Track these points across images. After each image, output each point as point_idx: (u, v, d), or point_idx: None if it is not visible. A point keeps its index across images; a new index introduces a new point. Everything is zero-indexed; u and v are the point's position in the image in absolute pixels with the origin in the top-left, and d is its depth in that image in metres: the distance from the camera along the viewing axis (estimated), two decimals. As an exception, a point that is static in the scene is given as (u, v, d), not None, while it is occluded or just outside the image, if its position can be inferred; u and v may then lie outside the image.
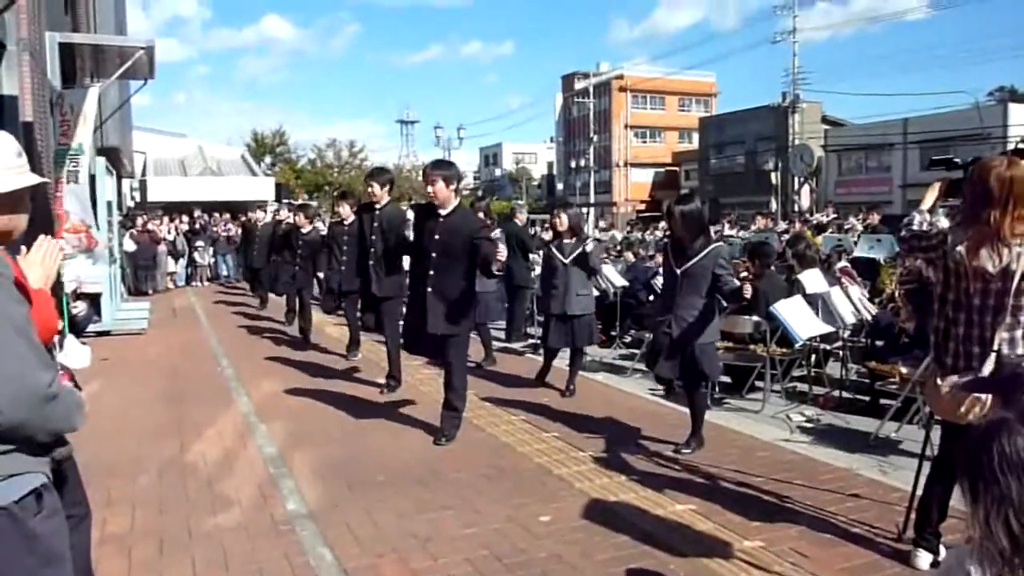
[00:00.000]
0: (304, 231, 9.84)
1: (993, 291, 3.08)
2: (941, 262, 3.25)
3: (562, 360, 7.21)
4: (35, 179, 2.06)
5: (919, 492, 3.51)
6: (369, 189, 6.97)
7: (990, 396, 3.02)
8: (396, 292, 6.98)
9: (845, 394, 6.61)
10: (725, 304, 5.21)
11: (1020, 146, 3.53)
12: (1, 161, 1.95)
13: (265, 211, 15.46)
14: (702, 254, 4.92)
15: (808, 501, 4.17)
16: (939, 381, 3.22)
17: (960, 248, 3.14)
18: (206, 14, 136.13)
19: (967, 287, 3.15)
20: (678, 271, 5.00)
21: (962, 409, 3.10)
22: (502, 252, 5.09)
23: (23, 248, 2.11)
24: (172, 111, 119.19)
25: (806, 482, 4.45)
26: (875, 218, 13.28)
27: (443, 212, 5.25)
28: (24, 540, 1.80)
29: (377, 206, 6.89)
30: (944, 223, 3.28)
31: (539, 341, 8.36)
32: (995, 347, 3.07)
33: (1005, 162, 3.09)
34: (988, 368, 3.06)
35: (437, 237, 5.20)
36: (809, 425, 5.92)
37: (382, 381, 7.15)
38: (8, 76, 8.06)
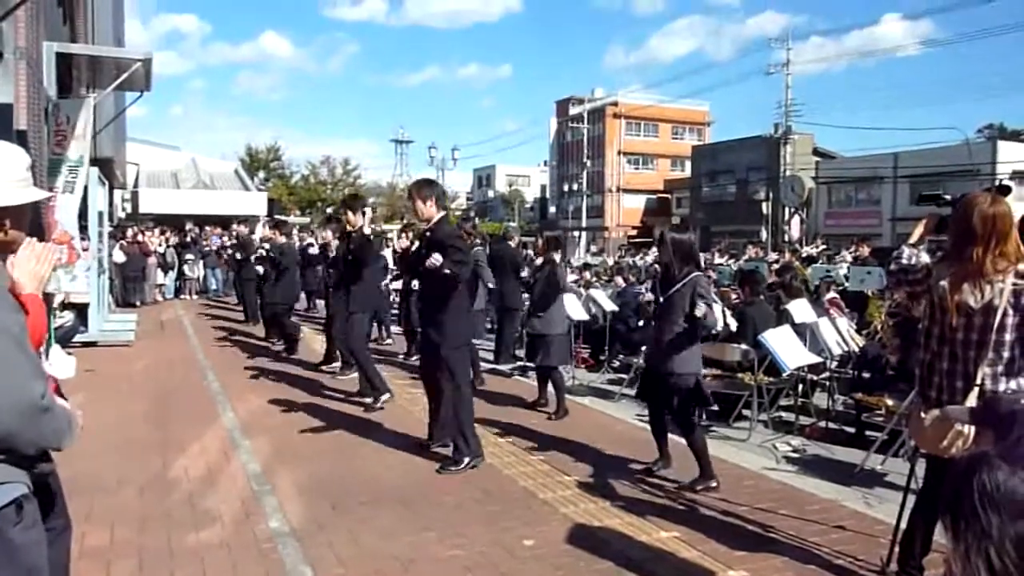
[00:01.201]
0: (279, 243, 10.16)
1: (976, 326, 3.11)
2: (926, 296, 3.29)
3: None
4: (40, 194, 2.08)
5: (903, 525, 3.51)
6: (344, 216, 7.43)
7: (974, 430, 3.05)
8: (365, 307, 7.39)
9: (831, 425, 6.62)
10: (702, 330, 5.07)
11: (1005, 183, 3.58)
12: (11, 173, 1.97)
13: (248, 226, 15.44)
14: (682, 283, 4.92)
15: (793, 532, 4.16)
16: (923, 414, 3.24)
17: (943, 283, 3.18)
18: (206, 29, 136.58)
19: (951, 322, 3.18)
20: (662, 299, 5.04)
21: (944, 442, 3.11)
22: (441, 265, 5.07)
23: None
24: (169, 123, 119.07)
25: (791, 512, 4.45)
26: (865, 250, 13.39)
27: (427, 228, 5.42)
28: (3, 550, 1.78)
29: (354, 231, 7.28)
30: (925, 258, 3.31)
31: (527, 363, 8.37)
32: (978, 381, 3.10)
33: (989, 199, 3.14)
34: (971, 402, 3.08)
35: (424, 253, 5.32)
36: (795, 455, 5.93)
37: (368, 400, 7.14)
38: (4, 84, 8.06)
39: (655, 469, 5.20)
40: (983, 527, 1.43)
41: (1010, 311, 3.05)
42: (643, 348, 8.20)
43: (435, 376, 5.42)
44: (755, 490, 4.88)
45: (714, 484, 4.84)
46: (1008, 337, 3.07)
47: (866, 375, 7.21)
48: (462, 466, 5.19)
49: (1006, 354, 3.08)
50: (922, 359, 3.34)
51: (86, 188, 10.59)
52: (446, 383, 5.32)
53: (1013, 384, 3.09)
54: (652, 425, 5.28)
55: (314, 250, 10.57)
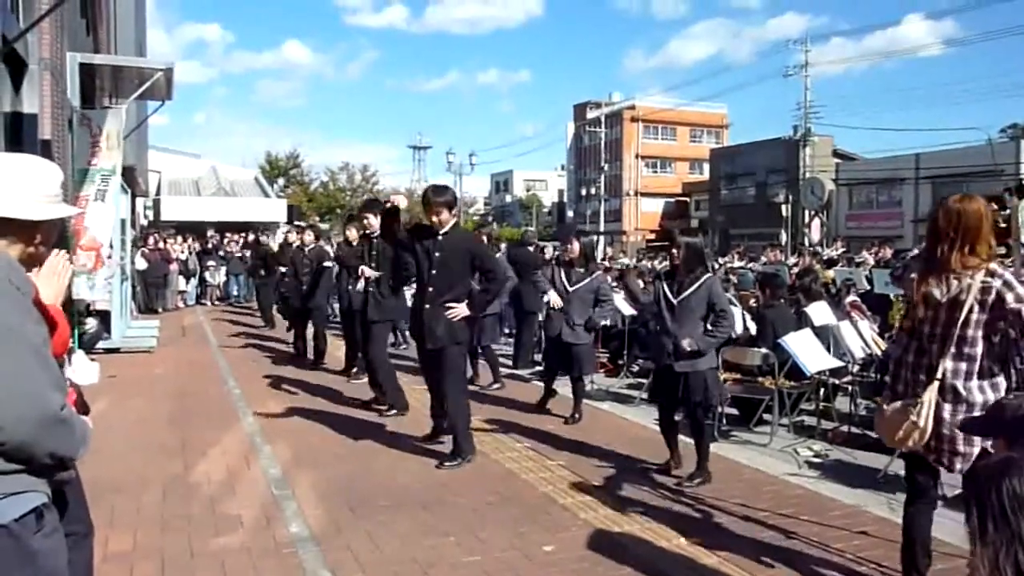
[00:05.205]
0: (307, 248, 10.14)
1: (941, 320, 3.10)
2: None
3: (566, 387, 7.19)
4: (70, 210, 2.11)
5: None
6: (365, 220, 7.29)
7: (929, 422, 3.06)
8: (389, 316, 7.30)
9: (854, 429, 6.55)
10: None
11: None
12: (44, 189, 2.00)
13: (271, 234, 15.55)
14: (696, 285, 5.02)
15: (815, 537, 4.12)
16: (885, 406, 3.25)
17: (912, 275, 3.19)
18: (229, 38, 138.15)
19: (918, 315, 3.19)
20: (675, 301, 5.06)
21: (900, 434, 3.11)
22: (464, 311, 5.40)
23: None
24: (190, 131, 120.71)
25: (813, 518, 4.41)
26: (887, 252, 13.24)
27: (442, 231, 5.45)
28: (23, 558, 1.80)
29: (374, 235, 7.14)
30: None
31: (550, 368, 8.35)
32: (938, 375, 3.08)
33: (960, 197, 3.15)
34: (931, 395, 3.07)
35: (437, 255, 5.38)
36: (817, 460, 5.87)
37: (384, 407, 7.15)
38: (29, 95, 8.16)
39: (671, 468, 5.27)
40: (1012, 531, 1.42)
41: (976, 307, 3.03)
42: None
43: (435, 374, 5.57)
44: (776, 495, 4.84)
45: (709, 479, 5.04)
46: (971, 333, 3.05)
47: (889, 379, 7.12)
48: (457, 462, 5.37)
49: (967, 350, 3.06)
50: (894, 354, 3.38)
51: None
52: (444, 381, 5.48)
53: (975, 383, 3.07)
54: (663, 425, 5.34)
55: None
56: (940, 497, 3.33)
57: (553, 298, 6.90)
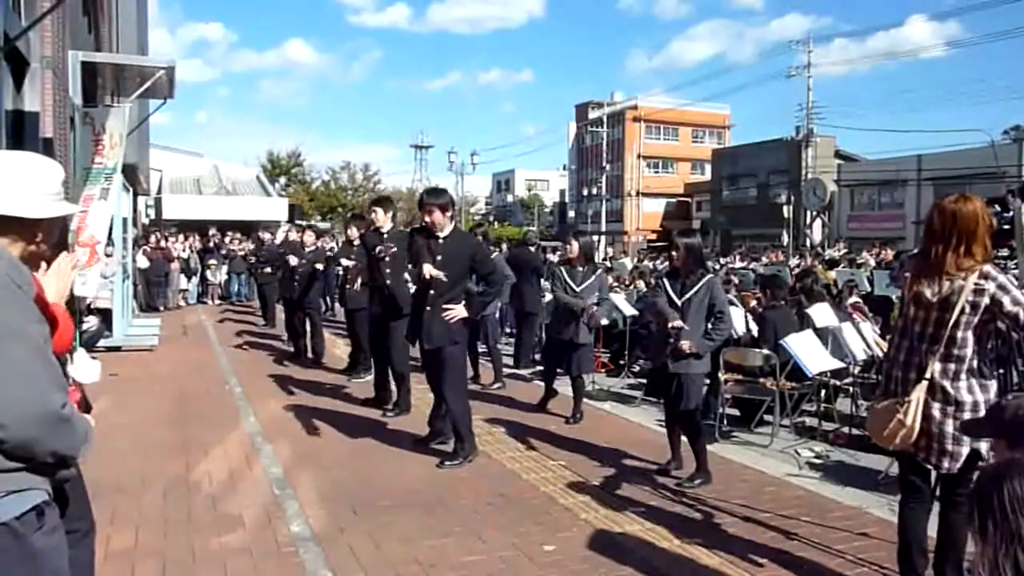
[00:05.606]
0: (307, 249, 10.10)
1: (932, 319, 3.11)
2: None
3: (567, 387, 7.20)
4: (71, 208, 2.11)
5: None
6: (373, 214, 7.24)
7: (918, 419, 3.07)
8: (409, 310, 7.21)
9: (855, 431, 6.55)
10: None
11: None
12: (45, 187, 2.00)
13: (273, 234, 15.52)
14: (698, 285, 5.09)
15: (815, 539, 4.12)
16: (876, 405, 3.27)
17: (906, 273, 3.21)
18: (232, 37, 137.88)
19: (910, 314, 3.20)
20: (679, 302, 5.09)
21: (886, 432, 3.12)
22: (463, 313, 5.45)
23: (43, 264, 2.13)
24: (192, 130, 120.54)
25: (814, 519, 4.41)
26: (888, 254, 13.25)
27: (442, 235, 5.50)
28: (25, 556, 1.80)
29: (383, 231, 7.11)
30: None
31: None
32: (927, 375, 3.09)
33: (956, 198, 3.14)
34: (919, 394, 3.07)
35: (439, 258, 5.41)
36: (818, 461, 5.87)
37: (389, 406, 7.15)
38: (30, 93, 8.17)
39: (671, 469, 5.28)
40: (1012, 530, 1.45)
41: (967, 308, 3.03)
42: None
43: (436, 374, 5.60)
44: (777, 496, 4.84)
45: (709, 480, 5.03)
46: (960, 334, 3.05)
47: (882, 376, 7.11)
48: (458, 461, 5.39)
49: (956, 351, 3.07)
50: (888, 353, 3.40)
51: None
52: (444, 381, 5.51)
53: (964, 383, 3.07)
54: (668, 424, 5.40)
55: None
56: (936, 497, 3.33)
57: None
